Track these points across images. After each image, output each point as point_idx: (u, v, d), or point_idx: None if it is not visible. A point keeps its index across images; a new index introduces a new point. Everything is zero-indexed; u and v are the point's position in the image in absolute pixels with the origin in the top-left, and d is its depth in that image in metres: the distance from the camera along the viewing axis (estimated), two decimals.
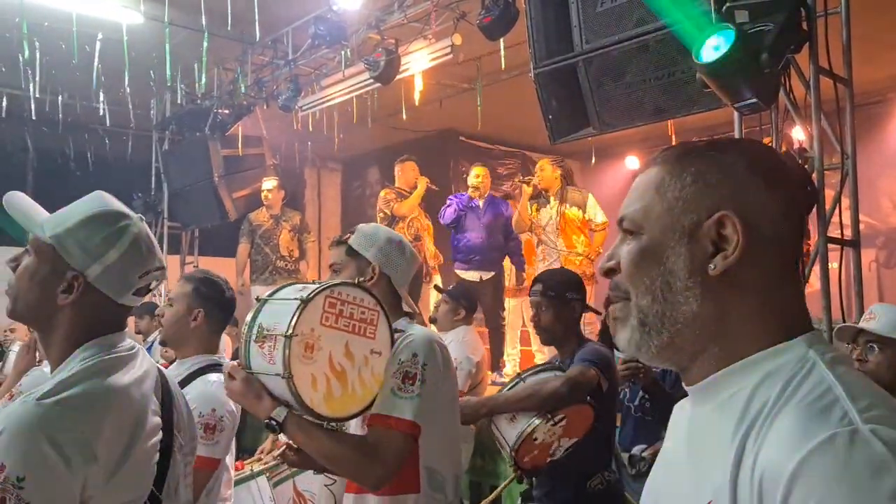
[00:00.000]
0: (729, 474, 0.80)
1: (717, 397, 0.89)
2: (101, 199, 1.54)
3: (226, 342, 5.54)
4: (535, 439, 2.63)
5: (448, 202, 6.42)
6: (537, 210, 6.13)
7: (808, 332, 0.89)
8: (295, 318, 1.77)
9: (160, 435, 1.51)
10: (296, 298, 1.81)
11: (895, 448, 0.71)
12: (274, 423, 1.82)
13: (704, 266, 0.88)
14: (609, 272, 0.98)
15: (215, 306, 2.57)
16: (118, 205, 1.55)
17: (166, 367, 2.12)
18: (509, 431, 2.67)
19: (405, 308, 2.22)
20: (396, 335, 2.01)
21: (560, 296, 2.94)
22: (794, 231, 0.91)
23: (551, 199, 6.07)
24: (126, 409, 1.43)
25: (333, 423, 1.92)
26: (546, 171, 6.08)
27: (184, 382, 2.40)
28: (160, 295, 6.76)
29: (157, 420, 1.51)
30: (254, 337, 1.85)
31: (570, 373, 2.70)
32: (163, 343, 2.72)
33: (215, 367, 2.49)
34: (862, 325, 2.49)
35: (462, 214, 6.31)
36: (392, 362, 1.97)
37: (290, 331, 1.76)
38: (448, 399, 2.11)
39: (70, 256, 1.46)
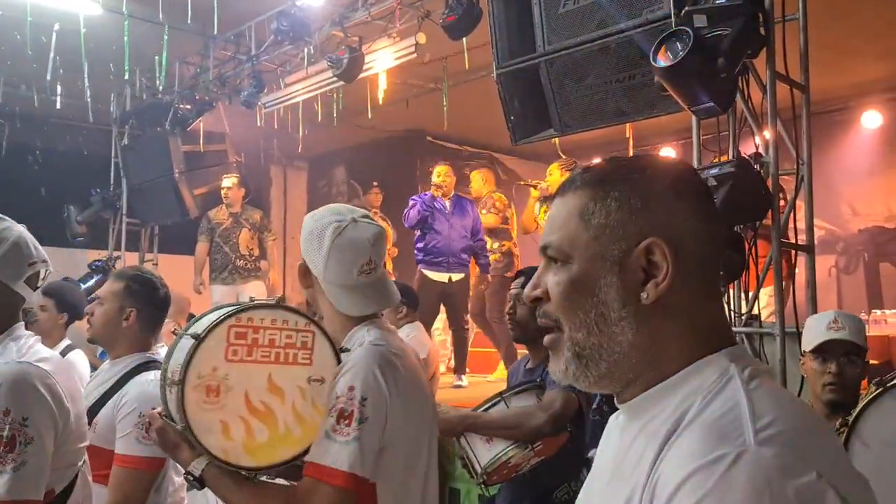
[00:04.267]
0: (640, 491, 0.81)
1: (644, 416, 0.89)
2: None
3: None
4: (509, 463, 2.60)
5: (411, 203, 6.26)
6: (544, 213, 6.06)
7: (731, 347, 0.89)
8: (186, 360, 1.56)
9: (84, 401, 1.96)
10: (190, 334, 1.60)
11: (777, 472, 0.72)
12: (191, 477, 1.62)
13: (636, 294, 0.88)
14: (536, 301, 0.96)
15: (148, 305, 2.47)
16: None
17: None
18: (483, 452, 2.61)
19: (354, 312, 1.80)
20: (344, 355, 1.70)
21: None
22: (717, 249, 0.92)
23: None
24: (68, 372, 1.84)
25: (259, 474, 1.65)
26: (555, 175, 6.05)
27: (120, 382, 2.35)
28: None
29: (80, 389, 1.99)
30: (167, 381, 1.67)
31: (553, 406, 2.62)
32: (91, 341, 2.62)
33: (151, 365, 2.41)
34: (834, 334, 2.33)
35: (426, 215, 6.13)
36: (331, 395, 1.63)
37: (182, 376, 1.55)
38: (411, 431, 1.69)
39: None
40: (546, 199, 6.08)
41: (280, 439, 1.61)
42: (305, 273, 1.79)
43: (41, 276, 1.89)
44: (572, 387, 2.78)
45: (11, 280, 1.79)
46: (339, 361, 1.69)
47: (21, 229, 1.87)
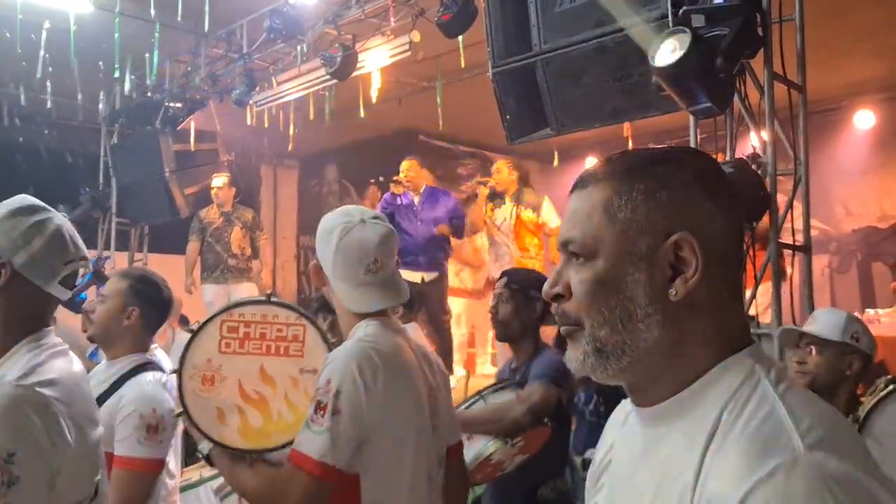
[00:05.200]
0: (687, 500, 0.79)
1: (673, 422, 0.87)
2: (23, 198, 1.59)
3: None
4: (491, 460, 2.59)
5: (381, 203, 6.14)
6: (493, 210, 6.14)
7: (751, 346, 0.88)
8: (182, 352, 1.72)
9: (101, 428, 1.60)
10: (189, 329, 1.77)
11: (832, 474, 0.72)
12: (200, 455, 1.82)
13: (665, 291, 0.85)
14: (557, 298, 0.92)
15: (151, 305, 2.48)
16: (40, 203, 1.61)
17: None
18: (465, 451, 2.63)
19: (359, 309, 1.83)
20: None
21: (523, 290, 2.88)
22: (739, 245, 0.90)
23: (507, 200, 6.09)
24: (83, 395, 1.55)
25: (257, 455, 1.79)
26: (503, 172, 6.15)
27: (118, 383, 2.33)
28: None
29: (98, 412, 1.64)
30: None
31: (531, 398, 2.64)
32: (91, 340, 2.62)
33: (149, 366, 2.41)
34: (804, 328, 2.51)
35: (389, 213, 5.83)
36: (315, 386, 1.71)
37: (179, 366, 1.72)
38: (394, 425, 1.73)
39: None
40: (494, 197, 6.17)
41: (274, 425, 1.75)
42: (319, 272, 1.85)
43: (80, 274, 1.66)
44: (553, 381, 2.82)
45: (44, 280, 1.52)
46: None
47: (62, 221, 1.59)
